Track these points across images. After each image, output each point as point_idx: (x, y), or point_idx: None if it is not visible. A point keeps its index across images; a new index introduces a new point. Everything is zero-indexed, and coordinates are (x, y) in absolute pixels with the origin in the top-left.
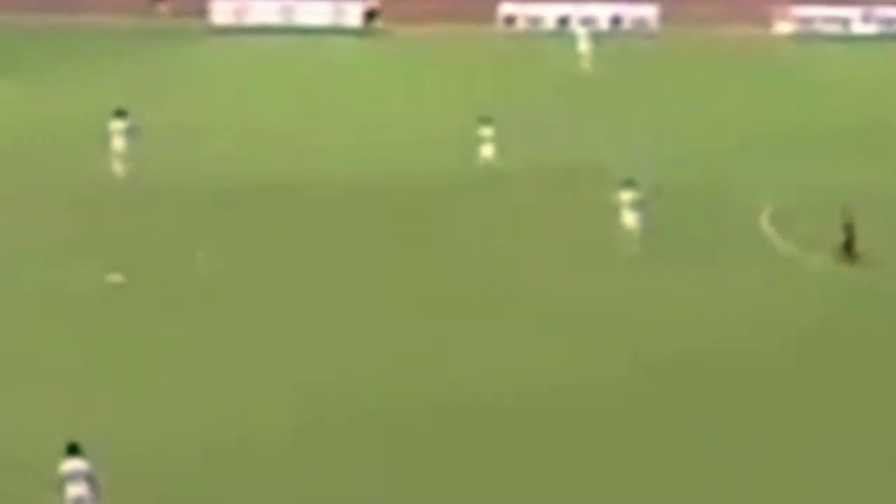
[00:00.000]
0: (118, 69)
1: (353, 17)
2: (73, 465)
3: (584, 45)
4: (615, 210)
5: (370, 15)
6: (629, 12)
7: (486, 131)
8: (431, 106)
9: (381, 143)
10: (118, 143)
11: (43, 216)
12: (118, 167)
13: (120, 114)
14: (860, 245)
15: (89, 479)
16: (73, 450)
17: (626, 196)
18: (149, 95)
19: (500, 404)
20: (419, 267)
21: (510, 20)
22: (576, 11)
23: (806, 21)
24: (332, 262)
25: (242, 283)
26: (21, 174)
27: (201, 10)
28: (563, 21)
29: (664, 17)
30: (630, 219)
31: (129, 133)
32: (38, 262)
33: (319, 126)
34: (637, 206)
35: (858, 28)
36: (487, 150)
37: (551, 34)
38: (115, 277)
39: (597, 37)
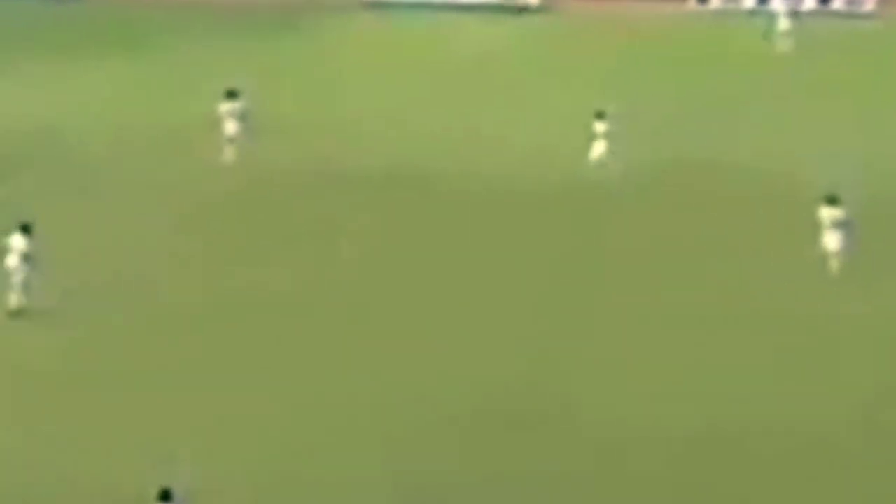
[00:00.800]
0: (261, 47)
1: None
2: None
3: (783, 24)
4: (816, 227)
5: None
6: None
7: (600, 127)
8: (601, 94)
9: (536, 133)
10: (229, 127)
11: (171, 203)
12: (229, 153)
13: (231, 95)
14: None
15: None
16: (165, 496)
17: (829, 213)
18: (293, 75)
19: (704, 432)
20: (574, 272)
21: None
22: None
23: None
24: (482, 262)
25: (376, 279)
26: (155, 159)
27: None
28: None
29: None
30: (832, 239)
31: (241, 116)
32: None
33: (470, 113)
34: (841, 225)
35: None
36: (599, 148)
37: (750, 13)
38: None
39: (801, 17)
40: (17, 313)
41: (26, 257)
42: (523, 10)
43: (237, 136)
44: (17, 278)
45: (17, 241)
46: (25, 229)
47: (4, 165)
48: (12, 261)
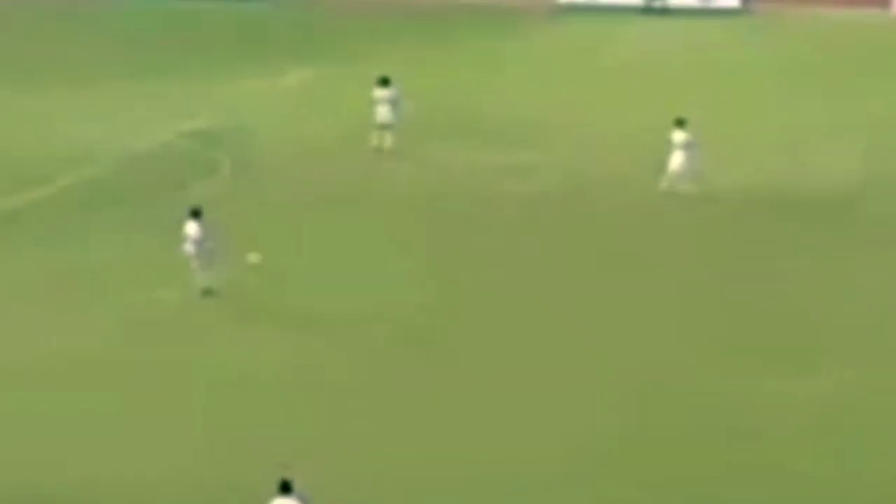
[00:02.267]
0: (443, 54)
1: None
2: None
3: None
4: None
5: None
6: None
7: (679, 136)
8: (797, 104)
9: (725, 140)
10: (382, 113)
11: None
12: (376, 138)
13: (384, 82)
14: None
15: None
16: (285, 488)
17: None
18: (481, 82)
19: None
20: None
21: None
22: None
23: None
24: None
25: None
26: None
27: None
28: None
29: None
30: None
31: (393, 103)
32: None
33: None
34: None
35: None
36: (677, 161)
37: None
38: (254, 257)
39: None
40: (208, 292)
41: (202, 240)
42: (727, 13)
43: (388, 122)
44: (196, 263)
45: (192, 228)
46: (196, 214)
47: (198, 164)
48: (190, 247)
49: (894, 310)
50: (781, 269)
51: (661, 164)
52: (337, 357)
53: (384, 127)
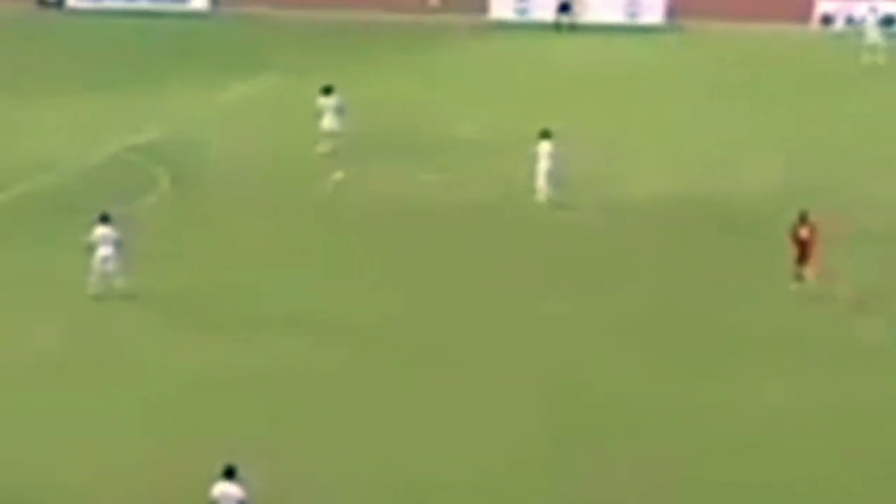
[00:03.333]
0: (377, 69)
1: (652, 13)
2: (225, 489)
3: (872, 40)
4: None
5: (564, 7)
6: None
7: (545, 147)
8: (721, 117)
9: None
10: (326, 122)
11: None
12: (325, 145)
13: (327, 91)
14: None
15: None
16: (229, 474)
17: None
18: (420, 96)
19: None
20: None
21: (827, 20)
22: None
23: None
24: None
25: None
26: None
27: (481, 4)
28: (891, 21)
29: None
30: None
31: (338, 110)
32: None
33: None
34: None
35: None
36: (543, 172)
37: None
38: (338, 175)
39: None
40: (101, 297)
41: (116, 244)
42: (654, 29)
43: (334, 129)
44: (106, 266)
45: (102, 231)
46: (105, 219)
47: (141, 176)
48: (102, 251)
49: (813, 318)
50: (705, 278)
51: (585, 175)
52: (286, 361)
53: (330, 135)
